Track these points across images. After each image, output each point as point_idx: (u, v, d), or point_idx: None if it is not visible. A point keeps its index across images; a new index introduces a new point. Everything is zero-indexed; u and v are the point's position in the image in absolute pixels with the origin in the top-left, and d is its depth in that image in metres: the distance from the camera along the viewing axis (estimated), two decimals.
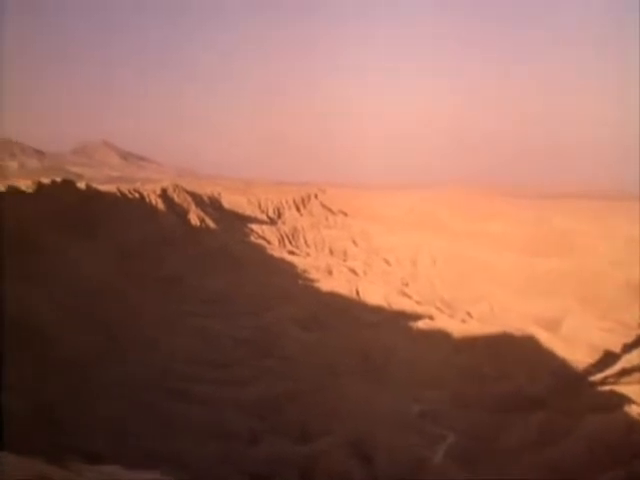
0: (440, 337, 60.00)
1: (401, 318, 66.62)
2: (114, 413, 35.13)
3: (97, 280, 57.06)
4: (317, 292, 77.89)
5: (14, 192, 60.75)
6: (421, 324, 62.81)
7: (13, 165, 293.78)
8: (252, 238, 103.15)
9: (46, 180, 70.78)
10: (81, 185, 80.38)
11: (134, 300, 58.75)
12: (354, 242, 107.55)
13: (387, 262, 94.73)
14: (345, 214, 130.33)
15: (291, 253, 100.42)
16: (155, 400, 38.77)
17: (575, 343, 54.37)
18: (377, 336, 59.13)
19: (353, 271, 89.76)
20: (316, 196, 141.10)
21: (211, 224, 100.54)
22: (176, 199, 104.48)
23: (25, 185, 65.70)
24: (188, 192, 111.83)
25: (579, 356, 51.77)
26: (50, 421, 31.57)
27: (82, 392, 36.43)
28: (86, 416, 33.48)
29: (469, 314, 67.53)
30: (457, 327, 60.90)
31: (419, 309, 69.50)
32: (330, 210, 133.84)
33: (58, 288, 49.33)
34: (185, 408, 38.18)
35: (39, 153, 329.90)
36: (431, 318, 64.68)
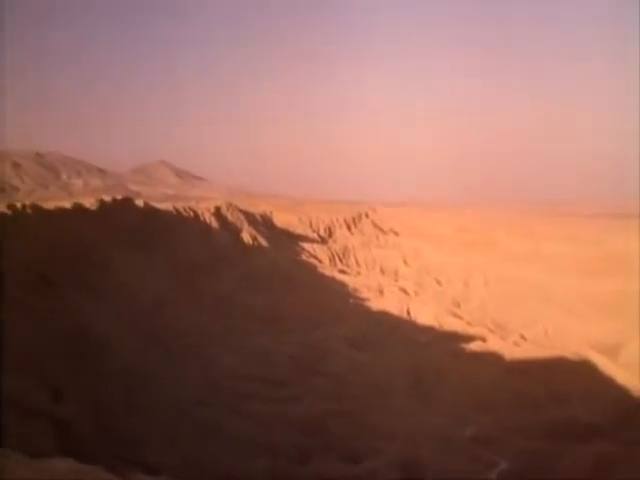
0: (492, 360, 59.21)
1: (452, 339, 66.25)
2: (168, 426, 37.05)
3: (154, 295, 60.04)
4: (368, 311, 78.75)
5: (78, 209, 64.69)
6: (473, 346, 62.24)
7: (78, 183, 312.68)
8: (303, 257, 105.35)
9: (107, 198, 74.83)
10: (139, 203, 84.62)
11: (189, 316, 61.14)
12: (405, 261, 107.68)
13: (438, 282, 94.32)
14: (396, 233, 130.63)
15: (342, 272, 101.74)
16: (208, 415, 40.45)
17: (635, 369, 52.37)
18: (428, 356, 59.20)
19: (404, 291, 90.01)
20: (367, 215, 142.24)
21: (263, 242, 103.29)
22: (229, 217, 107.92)
23: (89, 202, 69.62)
24: (241, 211, 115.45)
25: (639, 383, 49.88)
26: (107, 431, 33.49)
27: (139, 404, 38.11)
28: (142, 427, 35.35)
29: (522, 337, 66.24)
30: (510, 350, 59.95)
31: (471, 330, 68.87)
32: (381, 229, 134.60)
33: (118, 302, 52.30)
34: (236, 424, 39.65)
35: (102, 172, 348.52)
36: (483, 340, 63.98)
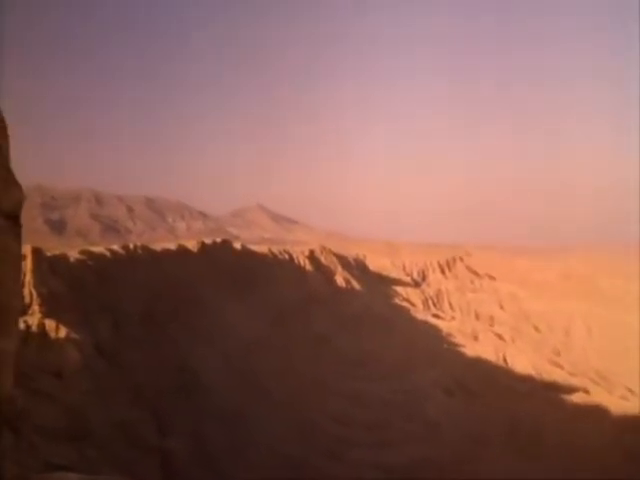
0: (597, 413, 56.58)
1: (552, 389, 64.06)
2: (262, 463, 39.49)
3: (250, 335, 62.92)
4: (462, 357, 78.08)
5: (182, 250, 69.37)
6: (575, 398, 59.90)
7: (182, 226, 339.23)
8: (397, 300, 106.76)
9: (208, 240, 79.23)
10: (237, 245, 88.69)
11: (283, 357, 63.09)
12: (501, 307, 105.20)
13: (537, 329, 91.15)
14: (492, 277, 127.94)
15: (436, 316, 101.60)
16: (300, 455, 41.97)
17: None
18: (526, 407, 57.89)
19: (500, 337, 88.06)
20: (461, 259, 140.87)
21: (356, 286, 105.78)
22: (323, 261, 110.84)
23: (191, 244, 73.80)
24: (335, 254, 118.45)
25: None
26: (207, 465, 36.19)
27: (236, 440, 40.84)
28: (239, 462, 37.58)
29: (630, 390, 62.44)
30: (616, 404, 56.98)
31: (572, 381, 66.09)
32: (476, 273, 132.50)
33: (216, 340, 55.58)
34: (330, 465, 41.62)
35: (203, 215, 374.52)
36: (586, 392, 61.29)
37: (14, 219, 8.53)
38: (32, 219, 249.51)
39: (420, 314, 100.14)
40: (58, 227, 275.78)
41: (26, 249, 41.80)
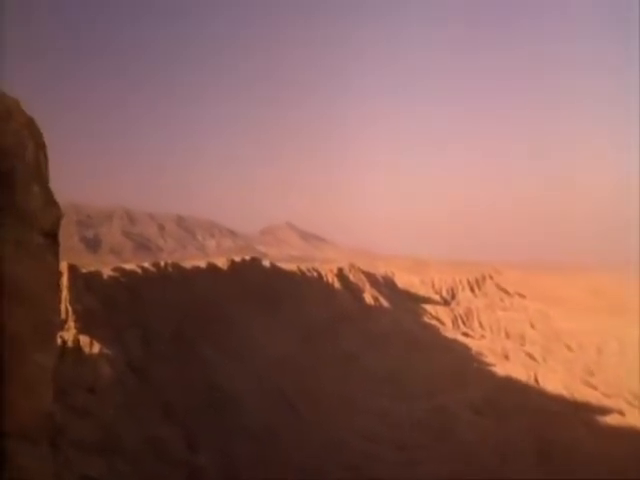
0: (632, 435, 55.72)
1: (585, 410, 63.20)
2: (292, 479, 39.63)
3: (279, 353, 63.44)
4: (492, 376, 77.56)
5: (212, 268, 70.61)
6: (609, 419, 59.07)
7: (212, 244, 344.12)
8: (425, 318, 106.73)
9: (237, 258, 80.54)
10: (266, 263, 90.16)
11: (312, 374, 63.75)
12: (532, 325, 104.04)
13: (569, 348, 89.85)
14: (522, 296, 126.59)
15: (465, 335, 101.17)
16: (330, 471, 42.22)
17: None
18: (558, 427, 57.41)
19: (531, 356, 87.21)
20: (491, 277, 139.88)
21: (385, 303, 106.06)
22: (352, 278, 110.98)
23: (220, 262, 75.03)
24: (363, 272, 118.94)
25: None
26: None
27: (265, 456, 41.05)
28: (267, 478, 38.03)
29: None
30: None
31: (606, 402, 65.07)
32: (506, 291, 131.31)
33: (245, 358, 56.31)
34: None
35: (233, 233, 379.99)
36: (621, 413, 60.36)
37: (53, 237, 8.73)
38: (68, 237, 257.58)
39: (449, 332, 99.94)
40: (93, 244, 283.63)
41: (63, 266, 42.88)
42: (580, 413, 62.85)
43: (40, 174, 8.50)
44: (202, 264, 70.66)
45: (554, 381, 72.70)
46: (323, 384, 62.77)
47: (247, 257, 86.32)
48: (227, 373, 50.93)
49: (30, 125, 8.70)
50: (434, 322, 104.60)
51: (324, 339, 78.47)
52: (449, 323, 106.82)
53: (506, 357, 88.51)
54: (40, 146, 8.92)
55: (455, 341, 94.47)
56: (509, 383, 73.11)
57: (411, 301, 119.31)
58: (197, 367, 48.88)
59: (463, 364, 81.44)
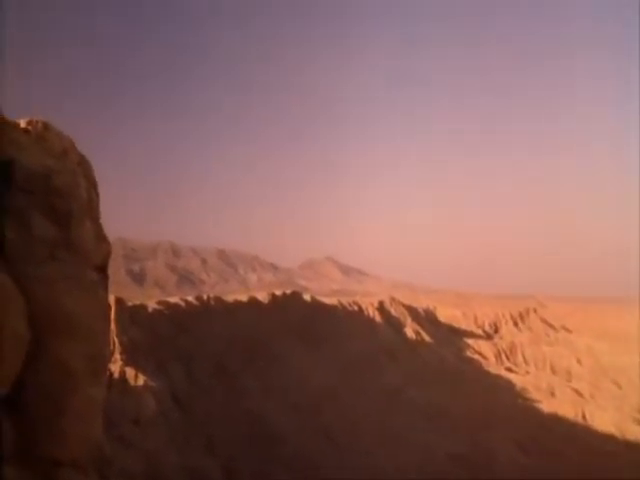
0: None
1: (637, 450, 61.75)
2: None
3: (321, 387, 63.97)
4: (538, 413, 76.25)
5: (253, 302, 71.91)
6: None
7: (253, 277, 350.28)
8: (468, 353, 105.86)
9: (278, 292, 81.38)
10: (307, 297, 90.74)
11: (354, 409, 63.82)
12: (578, 360, 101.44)
13: (618, 384, 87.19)
14: (568, 330, 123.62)
15: (509, 370, 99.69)
16: None
17: None
18: (608, 468, 56.38)
19: (578, 393, 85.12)
20: (535, 310, 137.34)
21: (427, 337, 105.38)
22: (393, 312, 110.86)
23: (262, 296, 76.17)
24: (404, 305, 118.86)
25: None
26: None
27: None
28: None
29: None
30: None
31: None
32: (551, 325, 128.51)
33: (286, 391, 56.93)
34: None
35: (274, 267, 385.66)
36: None
37: (103, 271, 8.92)
38: (115, 270, 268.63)
39: (493, 367, 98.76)
40: (138, 278, 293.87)
41: (110, 299, 46.58)
42: (632, 453, 61.32)
43: (92, 210, 8.80)
44: (244, 298, 72.29)
45: (603, 419, 71.02)
46: (364, 418, 62.85)
47: (288, 291, 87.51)
48: (269, 406, 51.70)
49: (83, 164, 9.20)
50: (477, 357, 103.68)
51: (365, 373, 78.29)
52: (492, 358, 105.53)
53: (552, 393, 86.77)
54: (92, 184, 9.26)
55: (499, 376, 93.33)
56: (555, 420, 71.90)
57: (453, 335, 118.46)
58: (239, 399, 49.87)
59: (507, 400, 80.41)
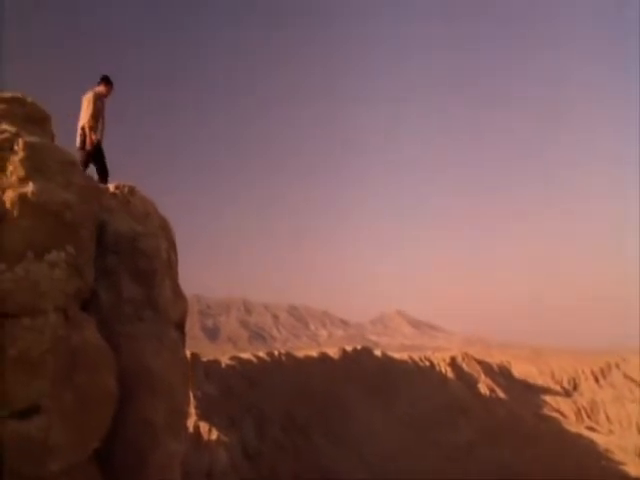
0: None
1: None
2: None
3: (392, 442, 64.16)
4: (623, 476, 72.99)
5: (324, 357, 72.83)
6: None
7: (324, 333, 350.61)
8: (545, 410, 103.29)
9: (349, 348, 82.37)
10: (378, 352, 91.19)
11: (427, 465, 63.44)
12: None
13: None
14: None
15: (590, 429, 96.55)
16: None
17: None
18: None
19: None
20: (617, 365, 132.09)
21: (501, 394, 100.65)
22: (465, 367, 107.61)
23: (332, 351, 77.00)
24: (477, 360, 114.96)
25: None
26: None
27: None
28: None
29: None
30: None
31: None
32: (635, 381, 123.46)
33: (357, 447, 57.46)
34: None
35: (344, 323, 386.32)
36: None
37: (181, 328, 9.04)
38: (190, 326, 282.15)
39: (572, 426, 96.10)
40: (212, 333, 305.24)
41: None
42: None
43: (171, 270, 9.04)
44: (314, 353, 73.67)
45: None
46: (436, 475, 61.98)
47: (358, 346, 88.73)
48: (339, 461, 52.27)
49: (164, 226, 9.56)
50: (555, 414, 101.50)
51: (436, 429, 77.80)
52: (572, 416, 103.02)
53: (639, 455, 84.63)
54: (172, 245, 9.57)
55: (579, 436, 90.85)
56: None
57: (529, 392, 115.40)
58: (309, 455, 50.63)
59: (588, 461, 77.95)
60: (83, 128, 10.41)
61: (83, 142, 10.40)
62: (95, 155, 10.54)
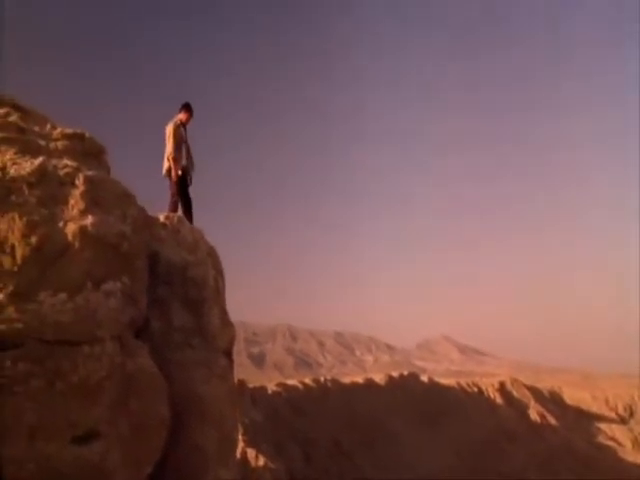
0: None
1: None
2: None
3: (439, 470, 62.50)
4: None
5: (369, 383, 72.05)
6: None
7: (370, 359, 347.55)
8: (600, 438, 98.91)
9: (395, 373, 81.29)
10: (424, 378, 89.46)
11: None
12: None
13: None
14: None
15: None
16: None
17: None
18: None
19: None
20: None
21: (552, 421, 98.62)
22: (515, 394, 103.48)
23: (378, 377, 76.08)
24: (527, 386, 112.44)
25: None
26: None
27: None
28: None
29: None
30: None
31: None
32: None
33: (405, 473, 56.34)
34: None
35: (390, 348, 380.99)
36: None
37: (229, 355, 9.09)
38: (237, 353, 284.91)
39: (630, 455, 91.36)
40: (258, 360, 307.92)
41: None
42: None
43: (219, 297, 9.23)
44: (360, 380, 73.24)
45: None
46: None
47: (405, 372, 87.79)
48: None
49: (212, 254, 9.70)
50: (610, 443, 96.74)
51: (485, 456, 75.70)
52: (628, 444, 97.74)
53: None
54: (219, 272, 9.68)
55: (637, 466, 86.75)
56: None
57: (582, 419, 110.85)
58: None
59: None
60: (168, 159, 10.69)
61: (168, 170, 10.72)
62: (179, 186, 10.75)
